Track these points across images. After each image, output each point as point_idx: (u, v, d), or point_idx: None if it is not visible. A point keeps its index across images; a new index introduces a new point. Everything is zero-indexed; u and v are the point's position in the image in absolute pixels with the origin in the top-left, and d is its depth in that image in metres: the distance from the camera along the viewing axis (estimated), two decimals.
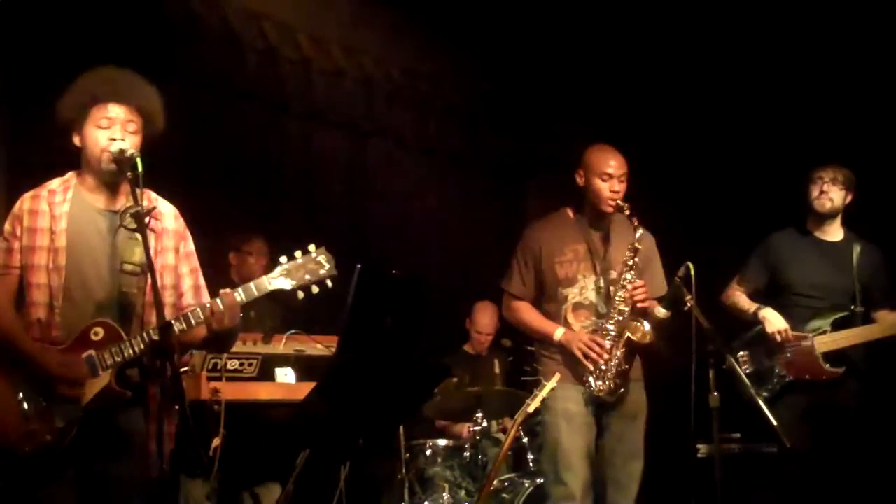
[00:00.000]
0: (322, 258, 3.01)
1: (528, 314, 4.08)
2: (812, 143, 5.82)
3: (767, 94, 6.29)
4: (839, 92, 5.94)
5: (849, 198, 4.55)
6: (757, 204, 6.15)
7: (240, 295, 2.94)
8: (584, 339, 3.88)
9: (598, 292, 3.96)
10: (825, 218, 4.56)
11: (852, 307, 4.45)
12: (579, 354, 3.86)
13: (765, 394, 4.37)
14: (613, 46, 6.47)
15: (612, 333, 3.88)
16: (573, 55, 6.61)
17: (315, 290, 2.99)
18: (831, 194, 4.49)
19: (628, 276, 3.88)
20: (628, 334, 3.85)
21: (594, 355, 3.84)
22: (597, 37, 6.44)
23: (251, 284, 2.96)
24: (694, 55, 6.32)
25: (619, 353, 3.86)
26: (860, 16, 5.66)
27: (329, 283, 3.01)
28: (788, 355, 4.45)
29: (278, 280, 2.96)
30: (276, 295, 3.01)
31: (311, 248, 3.02)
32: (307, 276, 2.97)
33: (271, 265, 3.04)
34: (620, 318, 3.88)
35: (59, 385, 2.81)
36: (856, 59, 5.84)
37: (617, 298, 3.89)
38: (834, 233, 4.60)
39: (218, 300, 2.92)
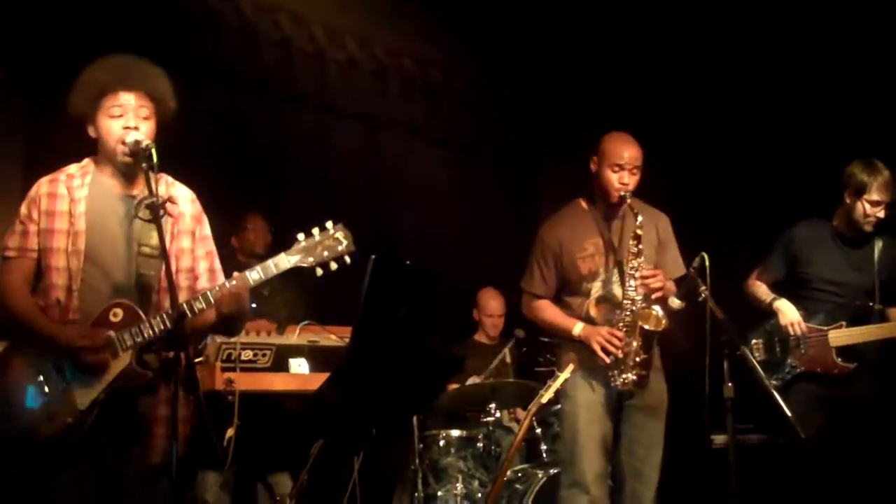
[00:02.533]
0: (340, 234, 2.97)
1: (549, 312, 4.05)
2: (827, 132, 5.79)
3: (783, 83, 6.25)
4: (856, 83, 5.90)
5: None
6: (773, 194, 6.13)
7: (259, 273, 2.93)
8: (601, 332, 3.86)
9: (619, 285, 3.94)
10: (869, 233, 4.45)
11: (871, 304, 4.41)
12: (598, 349, 3.83)
13: (775, 382, 4.35)
14: (627, 39, 6.44)
15: (627, 323, 3.84)
16: (587, 47, 6.58)
17: (333, 266, 2.95)
18: (883, 218, 4.38)
19: (635, 264, 3.85)
20: (640, 323, 3.80)
21: (612, 349, 3.81)
22: (611, 29, 6.41)
23: (269, 262, 2.94)
24: (709, 47, 6.28)
25: (635, 344, 3.81)
26: (876, 9, 5.63)
27: (347, 259, 2.97)
28: (802, 349, 4.44)
29: (297, 257, 2.94)
30: (292, 278, 3.00)
31: (329, 224, 2.99)
32: (325, 253, 2.94)
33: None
34: (633, 308, 3.84)
35: (85, 354, 2.80)
36: (872, 51, 5.80)
37: (628, 288, 3.86)
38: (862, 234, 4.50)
39: (228, 282, 2.92)
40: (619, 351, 3.81)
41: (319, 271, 2.96)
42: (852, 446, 4.36)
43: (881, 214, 4.36)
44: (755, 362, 3.78)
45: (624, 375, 3.82)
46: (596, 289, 3.97)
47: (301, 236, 2.97)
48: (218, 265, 3.15)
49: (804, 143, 6.06)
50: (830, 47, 5.91)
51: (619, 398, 3.94)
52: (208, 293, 2.90)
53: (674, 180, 6.01)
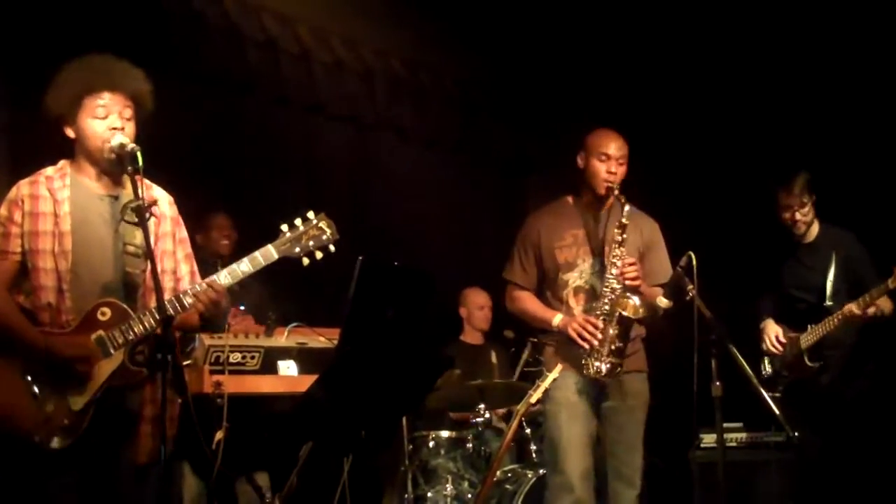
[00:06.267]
0: (323, 224, 3.01)
1: (529, 303, 4.09)
2: (811, 134, 5.83)
3: (770, 86, 6.28)
4: (837, 87, 5.95)
5: (813, 198, 4.72)
6: (761, 192, 6.15)
7: (247, 265, 2.94)
8: (577, 319, 3.88)
9: (599, 276, 3.96)
10: (803, 235, 4.78)
11: (823, 304, 4.64)
12: (574, 336, 3.84)
13: (777, 395, 4.61)
14: (616, 40, 6.45)
15: (606, 311, 3.86)
16: (575, 47, 6.59)
17: (319, 255, 2.99)
18: (805, 218, 4.70)
19: (618, 253, 3.87)
20: (619, 311, 3.82)
21: (587, 335, 3.82)
22: (599, 30, 6.42)
23: (257, 254, 2.95)
24: (697, 49, 6.31)
25: (612, 332, 3.83)
26: (858, 15, 5.67)
27: (332, 248, 3.01)
28: (788, 357, 4.72)
29: (284, 248, 2.96)
30: (280, 279, 3.01)
31: (311, 214, 3.01)
32: (311, 243, 2.97)
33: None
34: (613, 296, 3.86)
35: (74, 364, 2.80)
36: (857, 54, 5.84)
37: (609, 276, 3.88)
38: (811, 233, 4.79)
39: (205, 286, 2.92)
40: (595, 338, 3.82)
41: (306, 261, 2.98)
42: (843, 448, 4.51)
43: (798, 217, 4.68)
44: (742, 361, 3.79)
45: (597, 364, 3.83)
46: (573, 279, 4.00)
47: (285, 227, 2.99)
48: (196, 268, 3.17)
49: (791, 142, 6.09)
50: (815, 51, 5.95)
51: (599, 397, 3.95)
52: (197, 286, 2.92)
53: (661, 180, 6.03)
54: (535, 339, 4.67)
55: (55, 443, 2.77)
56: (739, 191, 6.37)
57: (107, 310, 2.86)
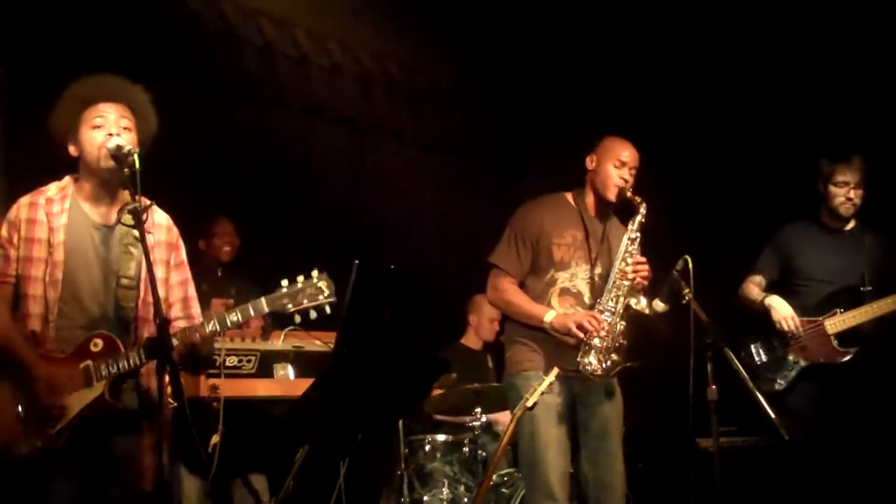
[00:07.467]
0: (323, 283, 3.00)
1: (518, 296, 3.92)
2: (813, 134, 5.82)
3: (767, 85, 6.29)
4: (840, 83, 5.95)
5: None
6: (757, 196, 6.16)
7: (236, 315, 2.94)
8: (581, 313, 3.78)
9: (588, 282, 3.89)
10: (848, 217, 4.58)
11: (861, 288, 4.46)
12: (574, 329, 3.71)
13: (781, 381, 4.46)
14: (613, 40, 6.46)
15: (611, 308, 3.79)
16: (573, 49, 6.60)
17: (313, 315, 3.00)
18: (856, 200, 4.52)
19: (631, 250, 3.82)
20: (629, 301, 3.75)
21: (591, 328, 3.71)
22: (596, 30, 6.43)
23: (248, 306, 2.97)
24: (694, 47, 6.31)
25: (620, 328, 3.77)
26: (863, 9, 5.67)
27: (328, 309, 3.02)
28: (802, 342, 4.48)
29: (277, 303, 2.97)
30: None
31: (315, 273, 3.02)
32: (306, 301, 2.98)
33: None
34: (620, 293, 3.80)
35: (44, 397, 2.82)
36: (859, 51, 5.84)
37: (617, 271, 3.81)
38: (850, 223, 4.61)
39: (194, 330, 2.93)
40: (597, 333, 3.71)
41: (298, 318, 3.00)
42: (849, 448, 4.38)
43: (852, 196, 4.49)
44: (739, 364, 3.78)
45: (594, 361, 3.72)
46: (562, 279, 3.90)
47: (284, 282, 3.00)
48: (193, 293, 3.16)
49: (790, 144, 6.10)
50: (817, 48, 5.95)
51: (576, 400, 3.87)
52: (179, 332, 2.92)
53: (658, 183, 6.01)
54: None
55: (28, 462, 2.80)
56: (738, 193, 6.39)
57: (99, 341, 2.89)
